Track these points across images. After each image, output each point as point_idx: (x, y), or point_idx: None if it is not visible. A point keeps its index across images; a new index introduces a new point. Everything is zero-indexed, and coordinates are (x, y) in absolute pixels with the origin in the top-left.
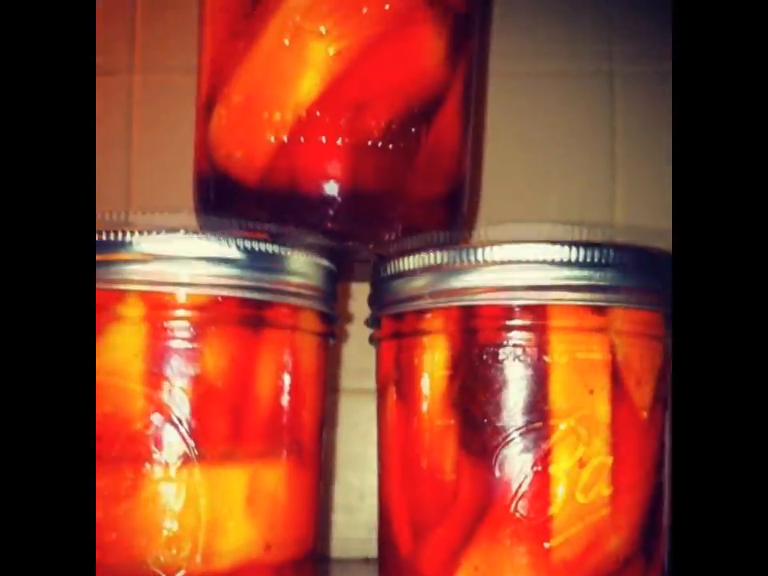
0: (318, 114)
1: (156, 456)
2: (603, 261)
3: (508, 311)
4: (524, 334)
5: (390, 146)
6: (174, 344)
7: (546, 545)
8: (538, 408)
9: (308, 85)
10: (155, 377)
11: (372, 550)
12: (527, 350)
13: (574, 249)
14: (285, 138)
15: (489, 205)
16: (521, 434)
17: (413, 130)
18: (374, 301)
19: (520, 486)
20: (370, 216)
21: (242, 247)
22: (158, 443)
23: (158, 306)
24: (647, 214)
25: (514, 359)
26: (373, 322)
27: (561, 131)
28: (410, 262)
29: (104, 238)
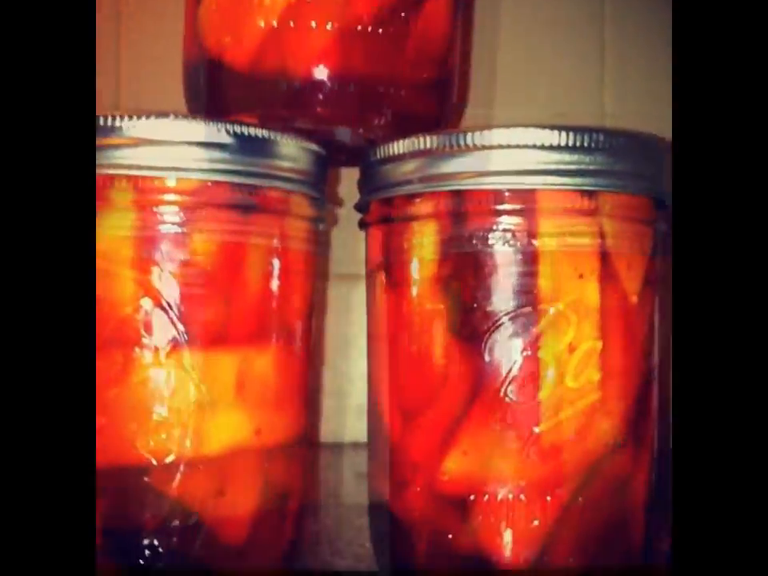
0: None
1: (146, 340)
2: (593, 145)
3: (497, 195)
4: (513, 219)
5: (380, 31)
6: (164, 228)
7: (536, 429)
8: (528, 292)
9: None
10: (145, 261)
11: (362, 435)
12: (516, 234)
13: (563, 133)
14: (274, 23)
15: (478, 93)
16: (510, 319)
17: (402, 14)
18: (364, 185)
19: (509, 370)
20: (359, 100)
21: (231, 131)
22: (148, 327)
23: (147, 191)
24: (636, 100)
25: (503, 244)
26: (362, 206)
27: (551, 20)
28: (399, 147)
29: None
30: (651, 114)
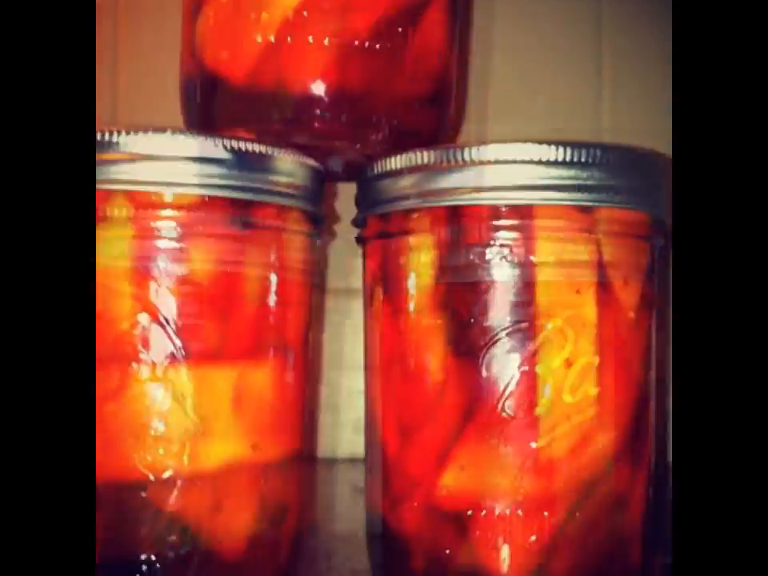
0: (304, 13)
1: (143, 356)
2: (590, 160)
3: (494, 211)
4: (510, 234)
5: (377, 46)
6: (161, 244)
7: (533, 444)
8: (525, 308)
9: None
10: (142, 277)
11: (359, 450)
12: (514, 250)
13: (560, 148)
14: (272, 38)
15: (475, 108)
16: (507, 334)
17: (399, 29)
18: (361, 201)
19: (507, 385)
20: (356, 116)
21: (228, 147)
22: (145, 343)
23: (144, 206)
24: (634, 115)
25: (500, 259)
26: (359, 222)
27: (548, 35)
28: (396, 162)
29: None
30: (649, 129)
